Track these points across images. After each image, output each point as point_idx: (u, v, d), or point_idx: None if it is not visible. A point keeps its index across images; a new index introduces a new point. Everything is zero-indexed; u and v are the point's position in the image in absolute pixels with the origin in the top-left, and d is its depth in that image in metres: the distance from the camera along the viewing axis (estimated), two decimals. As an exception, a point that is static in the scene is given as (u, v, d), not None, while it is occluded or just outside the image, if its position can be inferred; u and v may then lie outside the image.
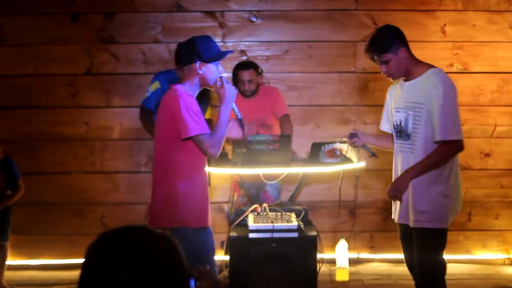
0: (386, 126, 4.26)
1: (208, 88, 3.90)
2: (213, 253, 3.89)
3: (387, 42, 3.86)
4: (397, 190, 3.93)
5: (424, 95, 3.82)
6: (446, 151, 3.82)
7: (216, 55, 3.82)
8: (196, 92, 3.84)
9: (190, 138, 3.69)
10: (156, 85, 5.47)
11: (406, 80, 3.97)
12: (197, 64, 3.75)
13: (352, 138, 4.27)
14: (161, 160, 3.82)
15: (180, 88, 3.77)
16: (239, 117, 3.96)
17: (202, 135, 3.68)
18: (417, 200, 3.88)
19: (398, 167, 4.03)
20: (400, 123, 3.97)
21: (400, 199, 3.94)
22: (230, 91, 3.81)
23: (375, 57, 3.91)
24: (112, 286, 1.51)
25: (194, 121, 3.66)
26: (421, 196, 3.87)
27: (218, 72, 3.83)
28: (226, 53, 3.91)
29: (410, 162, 3.91)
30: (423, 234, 3.88)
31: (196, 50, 3.76)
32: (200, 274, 1.87)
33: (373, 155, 4.31)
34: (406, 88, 3.96)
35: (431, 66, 3.91)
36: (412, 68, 3.90)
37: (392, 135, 4.15)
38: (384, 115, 4.27)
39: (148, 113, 5.51)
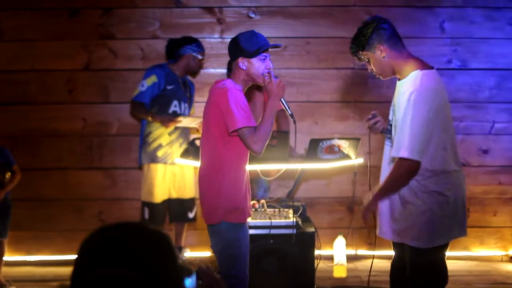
0: None
1: (257, 83, 3.82)
2: (246, 252, 3.82)
3: (363, 40, 3.53)
4: (365, 212, 3.68)
5: (400, 100, 3.45)
6: (396, 170, 3.47)
7: (257, 50, 3.72)
8: (244, 87, 3.78)
9: (236, 131, 3.61)
10: (153, 79, 5.53)
11: (399, 80, 3.58)
12: (240, 61, 3.71)
13: (375, 118, 3.90)
14: (208, 155, 3.77)
15: (227, 82, 3.72)
16: (289, 112, 3.89)
17: (247, 129, 3.59)
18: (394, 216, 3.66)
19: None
20: (390, 121, 3.73)
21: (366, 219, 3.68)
22: (278, 86, 3.70)
23: (356, 56, 3.62)
24: (103, 281, 1.51)
25: (240, 114, 3.59)
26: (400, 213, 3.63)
27: (265, 66, 3.74)
28: (267, 46, 3.75)
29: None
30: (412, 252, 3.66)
31: (239, 46, 3.71)
32: (200, 273, 1.87)
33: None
34: (396, 88, 3.62)
35: (421, 68, 3.46)
36: (400, 67, 3.53)
37: None
38: None
39: (141, 105, 5.56)
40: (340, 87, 6.11)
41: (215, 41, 6.04)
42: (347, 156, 4.86)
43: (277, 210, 4.81)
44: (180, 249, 5.88)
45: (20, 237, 6.00)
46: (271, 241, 4.50)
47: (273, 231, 4.54)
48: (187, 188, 5.79)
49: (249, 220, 4.51)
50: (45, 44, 6.06)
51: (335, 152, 4.81)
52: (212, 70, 6.06)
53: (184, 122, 5.52)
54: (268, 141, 3.63)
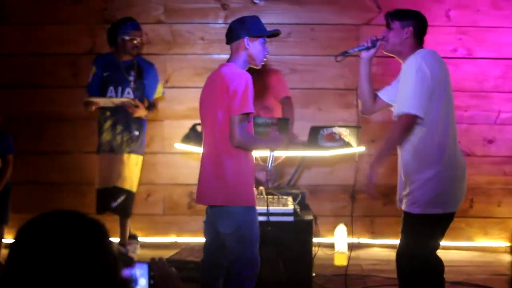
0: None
1: (254, 66, 3.89)
2: (258, 234, 3.89)
3: (402, 13, 3.89)
4: (370, 174, 3.76)
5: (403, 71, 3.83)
6: (396, 125, 3.76)
7: (264, 31, 3.82)
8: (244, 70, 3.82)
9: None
10: (93, 70, 5.59)
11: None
12: (246, 40, 3.76)
13: (374, 44, 4.08)
14: (216, 138, 3.76)
15: (234, 66, 3.78)
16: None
17: (241, 117, 3.63)
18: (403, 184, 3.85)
19: None
20: None
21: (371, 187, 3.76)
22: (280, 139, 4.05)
23: (388, 19, 3.92)
24: (35, 270, 1.51)
25: (246, 100, 3.63)
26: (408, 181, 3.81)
27: (264, 52, 3.85)
28: (273, 30, 3.87)
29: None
30: (405, 218, 3.86)
31: (245, 26, 3.78)
32: (153, 265, 1.88)
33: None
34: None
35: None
36: (407, 51, 3.83)
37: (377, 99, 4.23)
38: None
39: (88, 96, 5.57)
40: (344, 74, 6.06)
41: (219, 27, 6.02)
42: (348, 144, 4.84)
43: (276, 197, 4.80)
44: (135, 236, 5.95)
45: (23, 220, 5.98)
46: (269, 228, 4.49)
47: (271, 218, 4.53)
48: (114, 177, 5.66)
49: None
50: (50, 28, 6.07)
51: (336, 140, 4.79)
52: (215, 56, 6.04)
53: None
54: (249, 146, 3.77)
